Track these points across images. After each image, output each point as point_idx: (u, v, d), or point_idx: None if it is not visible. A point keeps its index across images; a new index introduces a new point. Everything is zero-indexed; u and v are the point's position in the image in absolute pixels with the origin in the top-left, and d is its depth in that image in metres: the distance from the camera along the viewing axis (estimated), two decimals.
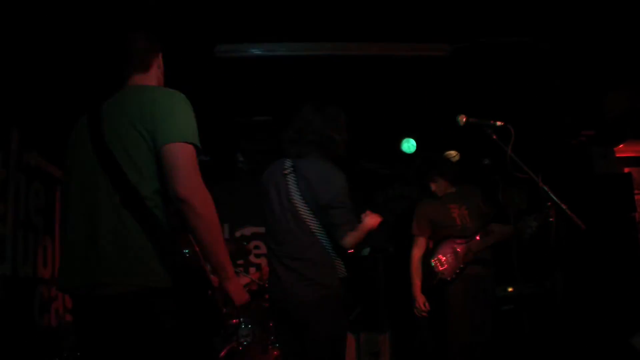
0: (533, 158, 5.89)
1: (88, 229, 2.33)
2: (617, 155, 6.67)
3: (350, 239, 3.37)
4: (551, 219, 3.37)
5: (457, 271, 5.09)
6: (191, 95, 5.73)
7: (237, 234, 7.19)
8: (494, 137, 3.40)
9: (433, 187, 5.45)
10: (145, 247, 2.27)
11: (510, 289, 5.84)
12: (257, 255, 7.20)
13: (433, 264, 5.19)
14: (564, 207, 3.19)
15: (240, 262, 7.01)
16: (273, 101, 6.33)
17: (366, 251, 6.83)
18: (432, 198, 5.49)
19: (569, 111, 5.93)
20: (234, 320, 5.04)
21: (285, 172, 3.61)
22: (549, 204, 3.30)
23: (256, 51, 5.24)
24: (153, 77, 2.74)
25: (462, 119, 3.48)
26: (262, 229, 6.88)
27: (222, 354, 4.57)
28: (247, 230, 7.23)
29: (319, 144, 3.62)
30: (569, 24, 4.79)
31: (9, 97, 4.45)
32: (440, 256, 5.19)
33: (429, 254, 5.34)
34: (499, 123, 3.38)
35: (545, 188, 3.24)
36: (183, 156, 2.31)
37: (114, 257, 2.26)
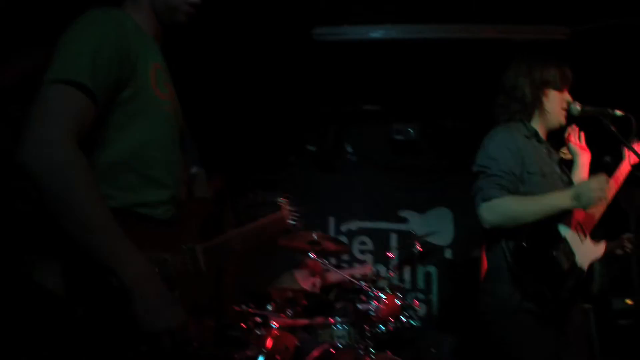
0: None
1: None
2: None
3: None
4: None
5: None
6: (293, 83, 5.60)
7: (343, 228, 6.89)
8: (614, 128, 2.96)
9: None
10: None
11: (629, 302, 5.22)
12: (362, 252, 6.87)
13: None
14: None
15: (345, 257, 6.74)
16: (382, 89, 6.04)
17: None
18: None
19: None
20: (330, 320, 4.77)
21: None
22: None
23: (369, 33, 4.97)
24: (142, 5, 2.01)
25: (577, 106, 3.07)
26: (368, 224, 6.84)
27: (316, 354, 4.31)
28: (354, 225, 6.89)
29: None
30: None
31: None
32: None
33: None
34: (619, 112, 2.97)
35: None
36: (41, 102, 1.62)
37: None
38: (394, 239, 6.80)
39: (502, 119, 3.08)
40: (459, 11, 4.66)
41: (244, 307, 4.44)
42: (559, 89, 3.07)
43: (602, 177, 2.82)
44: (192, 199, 2.21)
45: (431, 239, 6.34)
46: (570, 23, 4.68)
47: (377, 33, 4.95)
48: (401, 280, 6.60)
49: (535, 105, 3.05)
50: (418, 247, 5.40)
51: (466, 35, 4.88)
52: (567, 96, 3.10)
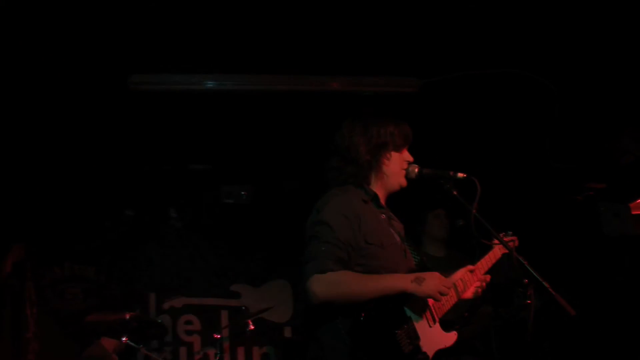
0: (524, 218, 5.27)
1: None
2: (634, 212, 5.80)
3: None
4: (528, 301, 2.84)
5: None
6: (109, 137, 5.18)
7: (166, 306, 6.40)
8: (455, 192, 2.88)
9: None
10: None
11: None
12: (189, 332, 6.39)
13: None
14: (546, 285, 2.69)
15: (167, 339, 6.23)
16: (211, 146, 5.73)
17: None
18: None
19: (573, 159, 5.31)
20: None
21: None
22: (526, 281, 2.79)
23: (197, 83, 4.61)
24: None
25: (414, 169, 2.93)
26: (195, 300, 6.49)
27: None
28: (178, 302, 6.43)
29: None
30: (568, 52, 4.24)
31: None
32: None
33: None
34: (460, 175, 2.86)
35: (521, 259, 2.75)
36: None
37: None
38: (225, 317, 6.44)
39: (336, 184, 2.91)
40: (302, 61, 4.43)
41: None
42: (398, 150, 2.94)
43: (449, 282, 2.83)
44: None
45: (268, 316, 6.05)
46: (420, 75, 4.59)
47: (206, 83, 4.64)
48: None
49: (372, 167, 2.91)
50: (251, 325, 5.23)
51: (308, 88, 4.65)
52: (406, 156, 2.97)
